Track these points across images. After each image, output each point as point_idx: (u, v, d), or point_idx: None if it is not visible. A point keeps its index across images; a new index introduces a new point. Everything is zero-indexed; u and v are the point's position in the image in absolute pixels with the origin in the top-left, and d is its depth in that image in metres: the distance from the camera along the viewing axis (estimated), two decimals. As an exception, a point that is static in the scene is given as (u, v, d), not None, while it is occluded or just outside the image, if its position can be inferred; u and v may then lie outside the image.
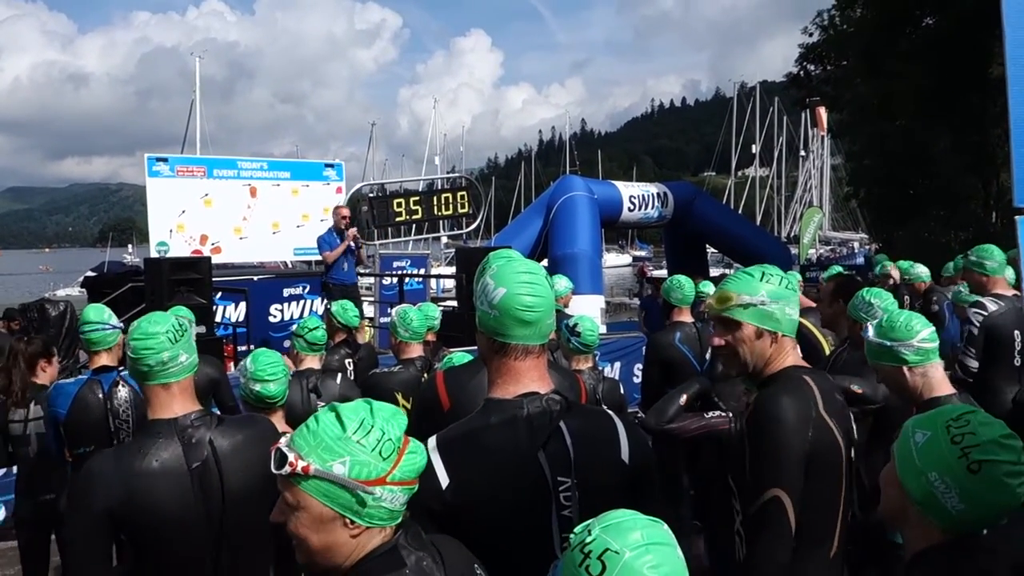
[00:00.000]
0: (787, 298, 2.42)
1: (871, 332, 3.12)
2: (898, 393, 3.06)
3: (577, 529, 1.34)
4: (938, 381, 3.04)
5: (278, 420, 3.42)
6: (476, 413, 2.04)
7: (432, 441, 1.98)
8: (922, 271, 7.37)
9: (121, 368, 4.26)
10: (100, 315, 4.35)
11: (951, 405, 1.77)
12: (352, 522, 1.50)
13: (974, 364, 5.01)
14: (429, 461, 1.94)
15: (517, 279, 1.99)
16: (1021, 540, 2.69)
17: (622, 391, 5.36)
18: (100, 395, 4.16)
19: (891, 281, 7.90)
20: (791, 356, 2.45)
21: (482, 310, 2.03)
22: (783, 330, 2.43)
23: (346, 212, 10.00)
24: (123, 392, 4.17)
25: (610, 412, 2.16)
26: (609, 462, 2.01)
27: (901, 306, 6.25)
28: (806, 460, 2.26)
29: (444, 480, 1.92)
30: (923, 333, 3.04)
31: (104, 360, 4.29)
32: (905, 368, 3.02)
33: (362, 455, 1.48)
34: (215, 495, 2.44)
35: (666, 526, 1.33)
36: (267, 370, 3.51)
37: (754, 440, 2.35)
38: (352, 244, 9.72)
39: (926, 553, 1.67)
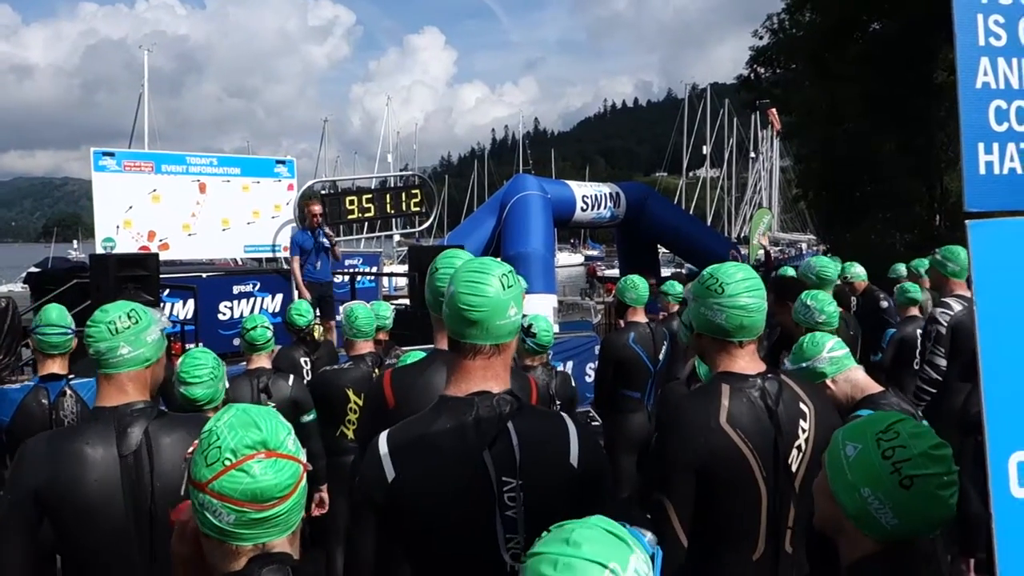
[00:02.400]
0: (703, 297, 2.43)
1: (787, 363, 3.24)
2: (834, 404, 3.11)
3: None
4: (864, 382, 3.16)
5: None
6: (428, 410, 2.03)
7: (383, 435, 1.99)
8: (860, 270, 7.50)
9: (70, 376, 4.11)
10: (62, 317, 4.13)
11: (880, 413, 1.77)
12: (199, 524, 1.49)
13: (943, 363, 5.13)
14: (377, 453, 1.95)
15: (463, 279, 1.99)
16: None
17: (573, 384, 5.39)
18: (45, 404, 3.98)
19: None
20: (733, 361, 2.43)
21: (444, 309, 2.05)
22: (696, 328, 2.50)
23: (317, 209, 10.10)
24: (70, 403, 4.01)
25: (564, 415, 2.15)
26: (556, 465, 2.00)
27: (848, 306, 6.36)
28: (699, 471, 2.29)
29: (390, 473, 1.92)
30: (829, 344, 3.19)
31: (54, 367, 4.09)
32: (828, 381, 3.11)
33: (197, 456, 1.48)
34: (143, 486, 2.41)
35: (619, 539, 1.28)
36: (191, 372, 3.36)
37: (653, 445, 2.46)
38: (326, 242, 9.82)
39: (861, 563, 1.67)
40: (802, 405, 2.42)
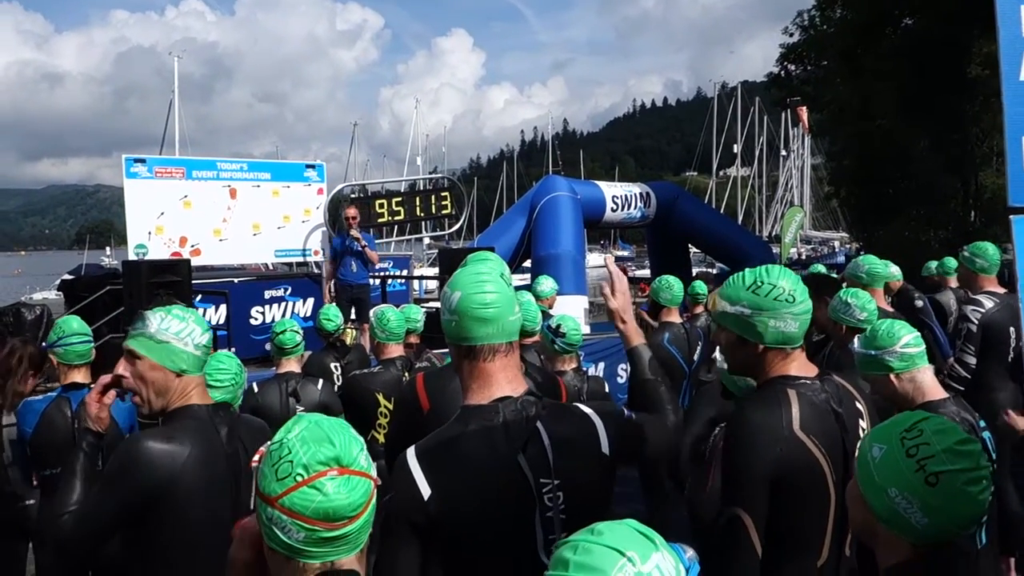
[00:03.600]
0: (772, 309, 2.29)
1: (857, 344, 3.15)
2: (891, 402, 3.02)
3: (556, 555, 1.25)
4: (928, 386, 3.04)
5: None
6: (452, 421, 2.01)
7: (411, 451, 1.96)
8: (895, 270, 7.39)
9: (92, 385, 4.11)
10: (84, 327, 4.13)
11: (907, 413, 1.72)
12: (266, 538, 1.46)
13: (972, 361, 5.04)
14: (409, 472, 1.91)
15: (470, 280, 2.00)
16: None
17: (607, 389, 5.34)
18: (68, 414, 3.92)
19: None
20: (787, 365, 2.35)
21: (445, 319, 2.04)
22: (764, 341, 2.33)
23: (349, 212, 10.40)
24: None
25: (583, 407, 2.12)
26: (590, 458, 2.00)
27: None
28: (774, 480, 2.21)
29: (426, 491, 1.89)
30: (906, 339, 3.06)
31: (77, 376, 4.07)
32: (892, 376, 3.02)
33: (266, 468, 1.44)
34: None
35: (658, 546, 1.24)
36: (214, 375, 3.33)
37: (722, 457, 2.36)
38: (355, 245, 10.06)
39: (898, 569, 1.64)
40: (858, 404, 2.38)
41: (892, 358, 3.02)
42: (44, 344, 4.33)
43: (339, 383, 5.33)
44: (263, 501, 1.42)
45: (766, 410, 2.31)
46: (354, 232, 10.18)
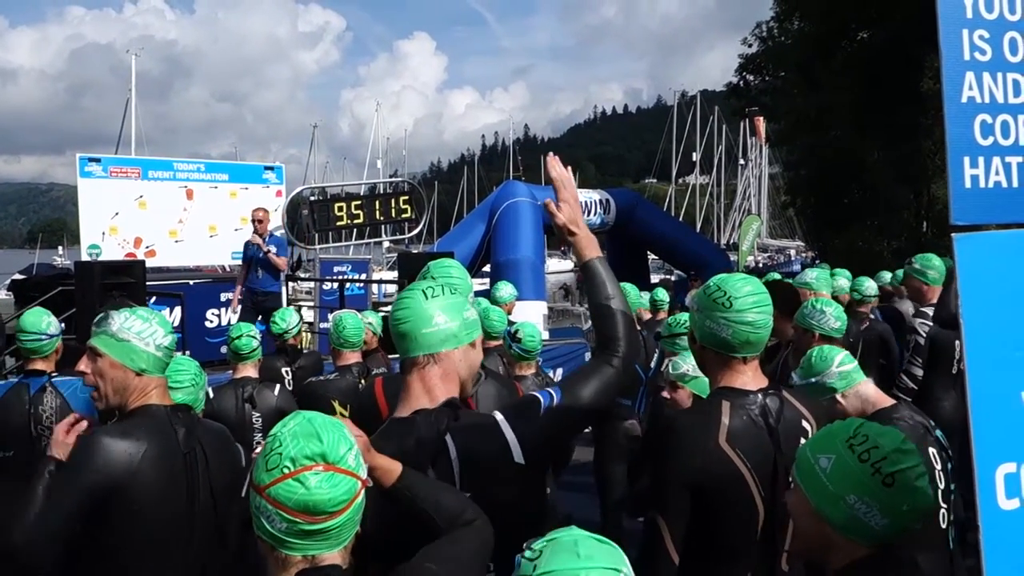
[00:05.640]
0: (708, 309, 2.36)
1: (795, 377, 3.21)
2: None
3: (527, 555, 1.32)
4: (874, 396, 3.12)
5: None
6: (377, 434, 2.01)
7: None
8: (843, 283, 7.47)
9: (53, 373, 4.14)
10: (37, 325, 4.18)
11: (839, 422, 1.77)
12: (255, 526, 1.49)
13: (920, 372, 5.16)
14: None
15: (396, 300, 2.09)
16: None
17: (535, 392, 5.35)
18: (26, 399, 4.03)
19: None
20: (733, 376, 2.38)
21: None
22: (697, 338, 2.43)
23: (258, 215, 9.57)
24: (50, 399, 4.04)
25: (495, 415, 2.09)
26: (501, 467, 1.99)
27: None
28: (695, 489, 2.25)
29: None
30: (838, 358, 3.15)
31: (39, 365, 4.17)
32: (838, 395, 3.09)
33: (259, 458, 1.49)
34: (200, 483, 2.52)
35: (614, 548, 1.32)
36: (173, 377, 3.28)
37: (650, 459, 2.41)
38: (259, 252, 9.42)
39: (850, 570, 1.68)
40: (804, 423, 2.38)
41: (832, 380, 3.10)
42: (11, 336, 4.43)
43: (290, 388, 5.28)
44: (254, 489, 1.47)
45: (694, 419, 2.38)
46: (255, 238, 9.49)
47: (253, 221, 9.62)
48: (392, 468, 1.76)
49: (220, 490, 2.57)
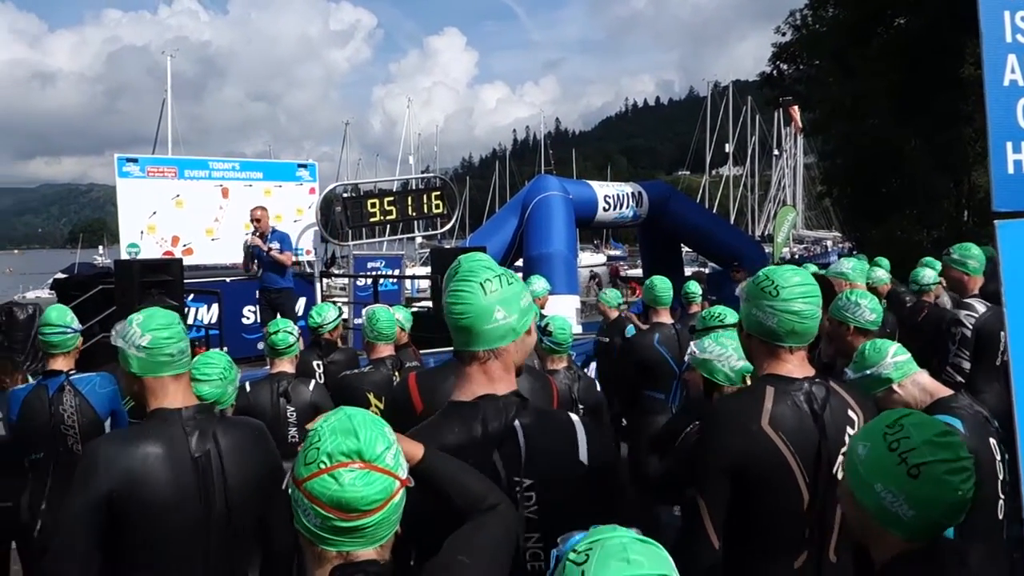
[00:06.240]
0: (755, 297, 2.39)
1: (850, 374, 3.16)
2: None
3: (579, 548, 1.29)
4: (932, 386, 3.09)
5: None
6: (438, 415, 2.06)
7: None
8: (882, 274, 7.37)
9: (71, 372, 4.20)
10: (62, 317, 4.28)
11: (889, 411, 1.76)
12: (295, 519, 1.50)
13: (967, 365, 5.06)
14: None
15: (450, 288, 2.05)
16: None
17: (598, 388, 5.35)
18: (45, 400, 4.10)
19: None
20: (779, 364, 2.38)
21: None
22: (744, 327, 2.46)
23: (256, 214, 9.70)
24: (69, 398, 4.10)
25: (570, 414, 2.16)
26: (566, 463, 2.02)
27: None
28: (736, 472, 2.25)
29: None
30: (892, 349, 3.12)
31: (58, 364, 4.22)
32: (895, 386, 3.04)
33: (302, 451, 1.49)
34: (215, 487, 2.47)
35: (661, 550, 1.30)
36: (201, 369, 3.39)
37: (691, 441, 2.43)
38: (263, 254, 9.57)
39: (892, 564, 1.67)
40: (851, 412, 2.37)
41: (887, 370, 3.06)
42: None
43: (321, 381, 5.32)
44: (293, 483, 1.48)
45: (738, 403, 2.41)
46: (255, 239, 9.62)
47: (252, 221, 9.70)
48: (414, 450, 1.76)
49: (240, 491, 2.52)
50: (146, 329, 2.51)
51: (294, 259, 10.30)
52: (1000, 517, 2.77)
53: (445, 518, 1.75)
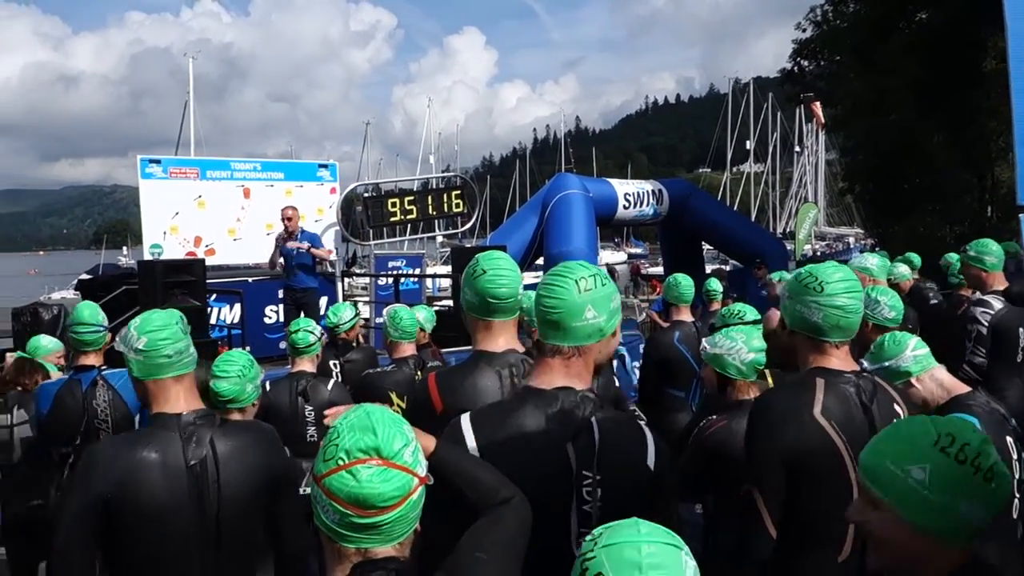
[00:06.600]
0: (799, 294, 2.43)
1: (867, 362, 3.14)
2: (920, 408, 3.02)
3: (588, 538, 1.33)
4: (949, 382, 3.07)
5: None
6: (512, 397, 2.10)
7: (466, 415, 2.05)
8: (904, 270, 7.32)
9: (102, 367, 4.24)
10: (94, 316, 4.33)
11: (905, 426, 1.64)
12: (314, 515, 1.50)
13: (983, 362, 5.01)
14: (459, 428, 2.01)
15: (545, 282, 2.08)
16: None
17: (617, 384, 5.34)
18: (78, 395, 4.13)
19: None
20: (826, 359, 2.41)
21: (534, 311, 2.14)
22: (788, 324, 2.48)
23: (287, 213, 9.89)
24: (102, 392, 4.14)
25: (640, 420, 2.22)
26: (635, 465, 2.04)
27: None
28: (790, 462, 2.27)
29: (471, 443, 1.97)
30: (912, 342, 3.10)
31: (89, 360, 4.27)
32: (913, 380, 3.02)
33: (321, 448, 1.50)
34: (210, 494, 2.44)
35: (679, 549, 1.31)
36: (221, 366, 3.41)
37: (744, 438, 2.45)
38: (293, 253, 9.71)
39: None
40: (897, 407, 2.40)
41: (907, 364, 3.04)
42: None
43: (339, 380, 5.34)
44: (313, 479, 1.48)
45: (788, 394, 2.42)
46: (292, 243, 9.80)
47: (283, 220, 9.88)
48: (425, 443, 1.76)
49: (237, 499, 2.49)
50: (142, 332, 2.50)
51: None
52: (1015, 517, 2.74)
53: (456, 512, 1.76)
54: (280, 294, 10.61)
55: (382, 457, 1.46)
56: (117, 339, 2.57)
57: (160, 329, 2.50)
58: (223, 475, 2.46)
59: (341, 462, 1.44)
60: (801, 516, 2.31)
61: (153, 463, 2.39)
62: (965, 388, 3.06)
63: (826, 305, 2.37)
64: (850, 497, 2.26)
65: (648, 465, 2.05)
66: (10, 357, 5.48)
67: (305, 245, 9.76)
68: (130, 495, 2.34)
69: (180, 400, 2.51)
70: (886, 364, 3.07)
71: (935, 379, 3.04)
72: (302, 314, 8.64)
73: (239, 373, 3.43)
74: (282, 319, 10.42)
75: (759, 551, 2.27)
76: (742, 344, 3.33)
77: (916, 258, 8.27)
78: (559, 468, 1.96)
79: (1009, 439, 2.83)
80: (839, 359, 2.41)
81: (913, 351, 3.05)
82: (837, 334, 2.39)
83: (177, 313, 2.61)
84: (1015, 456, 2.79)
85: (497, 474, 1.86)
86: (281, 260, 10.00)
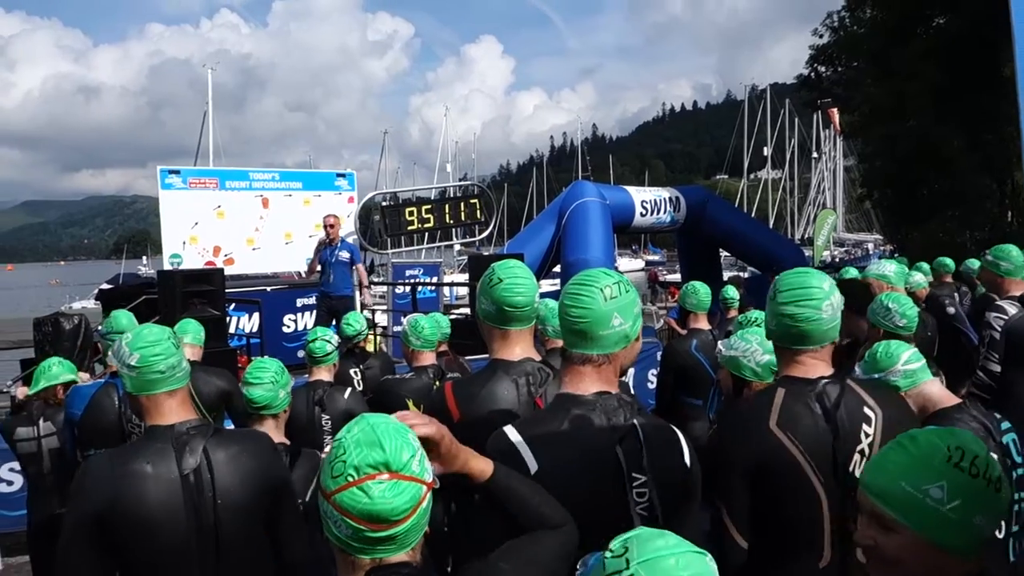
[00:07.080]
0: (768, 301, 2.43)
1: (858, 370, 3.13)
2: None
3: (614, 545, 1.30)
4: (938, 395, 3.03)
5: (271, 430, 3.34)
6: (551, 406, 2.10)
7: (511, 429, 2.02)
8: (920, 278, 7.28)
9: None
10: (132, 324, 4.37)
11: (904, 443, 1.60)
12: (324, 529, 1.50)
13: (997, 368, 4.96)
14: (514, 446, 1.98)
15: (569, 291, 2.09)
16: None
17: (632, 391, 5.32)
18: (115, 399, 4.17)
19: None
20: (794, 367, 2.39)
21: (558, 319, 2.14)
22: (767, 335, 2.49)
23: (330, 220, 9.93)
24: None
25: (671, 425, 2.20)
26: (677, 464, 2.08)
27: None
28: (750, 473, 2.28)
29: (532, 466, 1.95)
30: (905, 356, 3.06)
31: None
32: (901, 395, 2.99)
33: (326, 463, 1.49)
34: (205, 504, 2.44)
35: (704, 555, 1.32)
36: (253, 373, 3.44)
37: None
38: (339, 256, 9.74)
39: None
40: (867, 410, 2.34)
41: (896, 377, 3.01)
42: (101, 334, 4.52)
43: (360, 388, 5.36)
44: (321, 494, 1.48)
45: (749, 406, 2.45)
46: (344, 253, 9.82)
47: (325, 227, 9.88)
48: (484, 467, 1.76)
49: (234, 507, 2.48)
50: (134, 348, 2.50)
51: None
52: (1000, 535, 2.71)
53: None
54: (298, 303, 10.68)
55: (392, 471, 1.45)
56: (111, 353, 2.58)
57: (152, 345, 2.51)
58: (219, 483, 2.45)
59: (351, 478, 1.43)
60: (774, 525, 2.31)
61: (146, 475, 2.38)
62: (954, 400, 3.03)
63: (777, 313, 2.36)
64: (817, 504, 2.27)
65: (686, 463, 2.08)
66: (22, 392, 5.46)
67: (345, 255, 9.78)
68: (124, 508, 2.34)
69: (174, 412, 2.52)
70: (876, 376, 3.05)
71: (921, 394, 3.01)
72: (333, 322, 8.74)
73: (272, 380, 3.45)
74: (300, 327, 10.48)
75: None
76: (757, 346, 3.32)
77: (926, 267, 8.22)
78: (612, 471, 1.97)
79: (993, 456, 2.79)
80: (807, 366, 2.37)
81: (904, 364, 3.02)
82: (790, 341, 2.36)
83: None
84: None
85: (551, 501, 1.82)
86: (319, 267, 10.07)
